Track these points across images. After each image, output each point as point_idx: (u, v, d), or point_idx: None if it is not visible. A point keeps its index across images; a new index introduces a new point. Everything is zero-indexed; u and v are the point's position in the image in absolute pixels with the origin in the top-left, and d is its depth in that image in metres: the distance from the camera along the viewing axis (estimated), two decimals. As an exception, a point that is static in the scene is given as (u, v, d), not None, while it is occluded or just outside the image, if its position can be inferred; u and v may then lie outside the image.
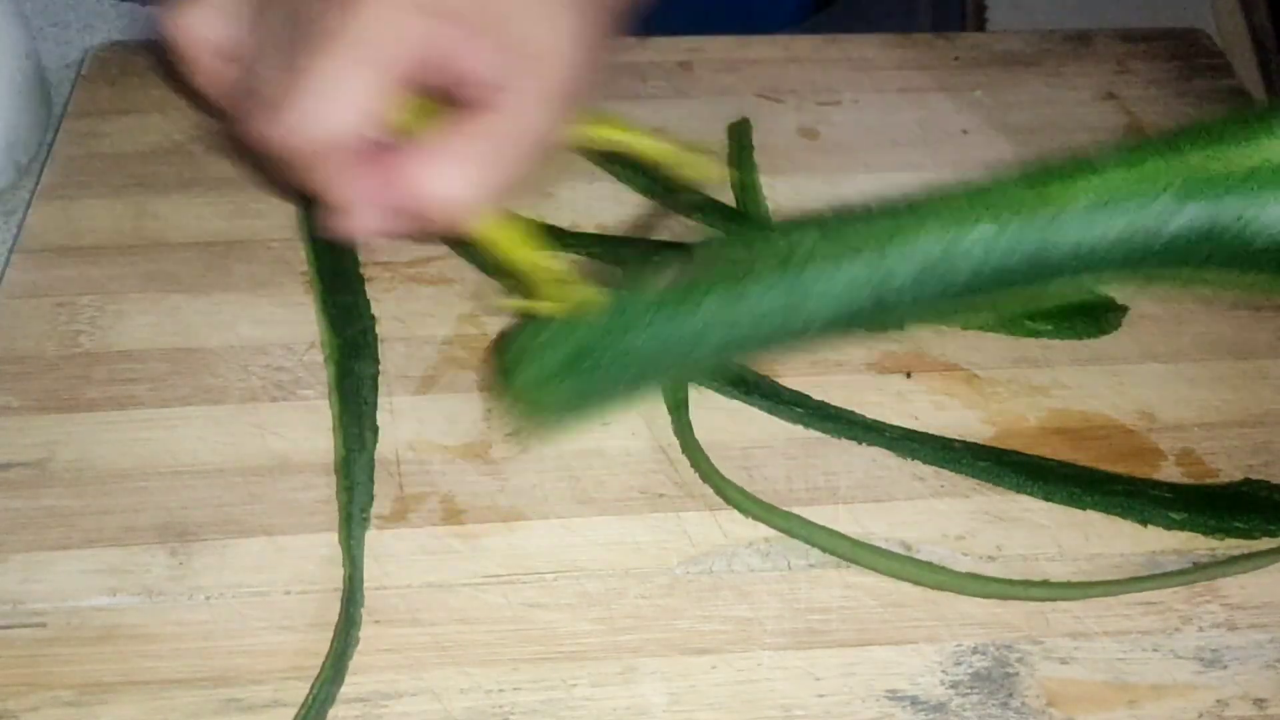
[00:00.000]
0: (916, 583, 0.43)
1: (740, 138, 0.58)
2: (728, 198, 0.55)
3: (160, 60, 0.57)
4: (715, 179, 0.48)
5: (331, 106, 0.39)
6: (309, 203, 0.45)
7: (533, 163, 0.42)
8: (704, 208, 0.52)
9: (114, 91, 0.60)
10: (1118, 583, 0.43)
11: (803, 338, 0.41)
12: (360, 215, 0.41)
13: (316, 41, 0.39)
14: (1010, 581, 0.43)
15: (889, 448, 0.47)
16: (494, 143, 0.41)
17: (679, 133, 0.58)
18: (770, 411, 0.48)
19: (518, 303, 0.43)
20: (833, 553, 0.44)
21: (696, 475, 0.46)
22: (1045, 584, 0.43)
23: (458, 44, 0.40)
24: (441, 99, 0.43)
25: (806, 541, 0.44)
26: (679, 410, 0.47)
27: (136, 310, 0.50)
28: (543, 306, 0.43)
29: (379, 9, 0.39)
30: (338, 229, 0.42)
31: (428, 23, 0.40)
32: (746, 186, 0.55)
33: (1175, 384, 0.49)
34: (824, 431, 0.48)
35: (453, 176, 0.40)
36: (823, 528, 0.44)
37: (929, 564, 0.43)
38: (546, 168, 0.43)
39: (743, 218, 0.54)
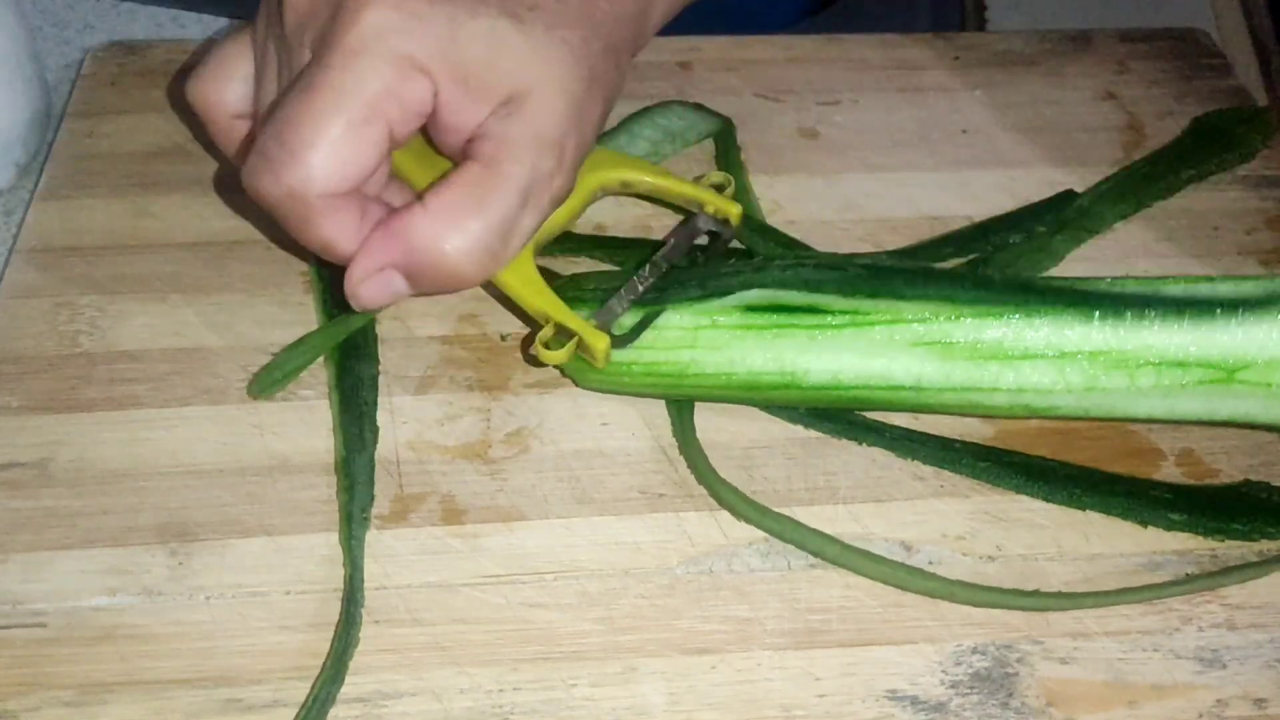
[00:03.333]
0: (905, 588, 0.43)
1: (726, 140, 0.58)
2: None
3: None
4: (736, 215, 0.48)
5: (310, 157, 0.39)
6: (321, 264, 0.47)
7: (541, 212, 0.41)
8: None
9: (114, 91, 0.60)
10: (1111, 594, 0.43)
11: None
12: (369, 280, 0.41)
13: (298, 97, 0.39)
14: (1001, 591, 0.43)
15: (889, 448, 0.47)
16: (488, 195, 0.40)
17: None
18: (770, 412, 0.48)
19: (549, 356, 0.44)
20: (822, 556, 0.43)
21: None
22: (1037, 594, 0.43)
23: (446, 99, 0.40)
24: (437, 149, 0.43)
25: (798, 546, 0.44)
26: (681, 410, 0.47)
27: (136, 310, 0.50)
28: (564, 358, 0.44)
29: (358, 61, 0.38)
30: (354, 293, 0.42)
31: (413, 77, 0.39)
32: (737, 189, 0.55)
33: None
34: (824, 431, 0.48)
35: (456, 230, 0.40)
36: (815, 531, 0.43)
37: (919, 570, 0.43)
38: (566, 211, 0.42)
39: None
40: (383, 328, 0.50)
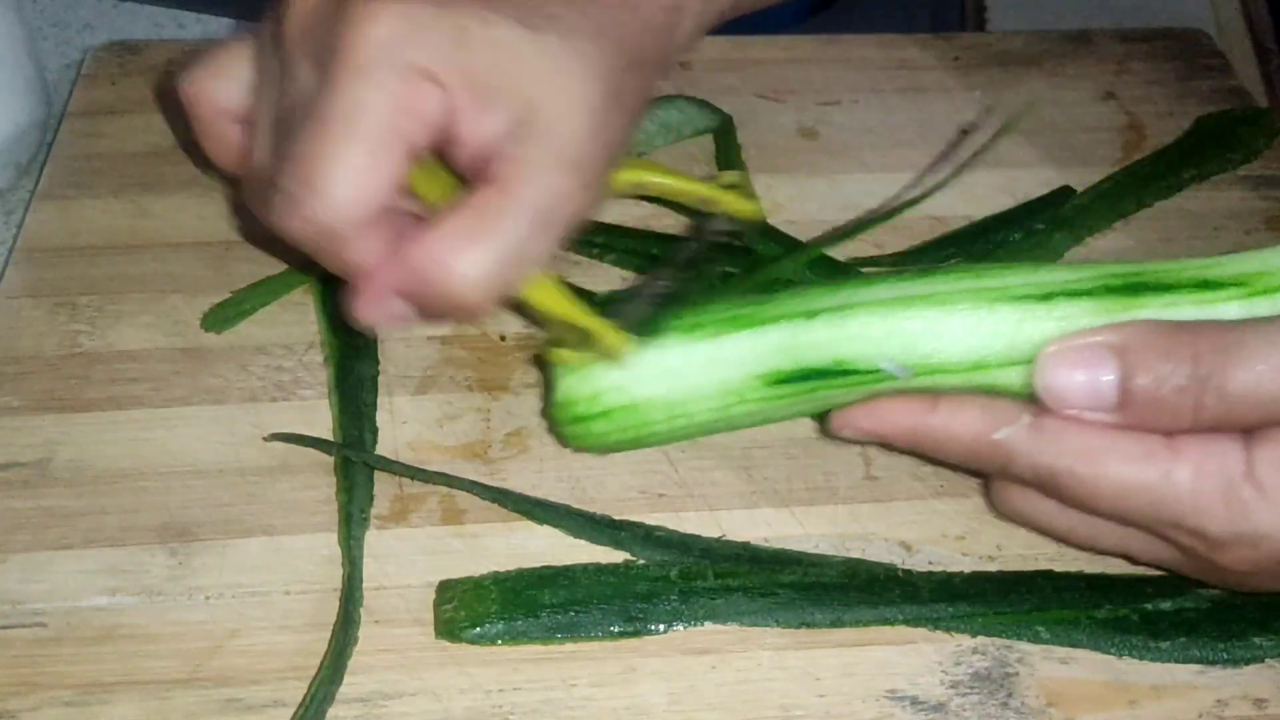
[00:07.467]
0: None
1: (725, 139, 0.58)
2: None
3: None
4: (752, 214, 0.47)
5: (334, 191, 0.37)
6: (329, 280, 0.47)
7: (558, 232, 0.40)
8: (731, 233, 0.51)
9: (114, 91, 0.60)
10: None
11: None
12: (381, 302, 0.39)
13: (308, 123, 0.38)
14: None
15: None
16: (500, 220, 0.38)
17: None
18: (770, 411, 0.48)
19: (563, 355, 0.43)
20: None
21: (696, 475, 0.46)
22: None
23: (459, 111, 0.38)
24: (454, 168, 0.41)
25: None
26: None
27: (136, 310, 0.50)
28: (582, 358, 0.43)
29: (366, 79, 0.37)
30: (361, 316, 0.40)
31: (424, 89, 0.37)
32: (737, 187, 0.55)
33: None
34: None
35: (464, 258, 0.38)
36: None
37: None
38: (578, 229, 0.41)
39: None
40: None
